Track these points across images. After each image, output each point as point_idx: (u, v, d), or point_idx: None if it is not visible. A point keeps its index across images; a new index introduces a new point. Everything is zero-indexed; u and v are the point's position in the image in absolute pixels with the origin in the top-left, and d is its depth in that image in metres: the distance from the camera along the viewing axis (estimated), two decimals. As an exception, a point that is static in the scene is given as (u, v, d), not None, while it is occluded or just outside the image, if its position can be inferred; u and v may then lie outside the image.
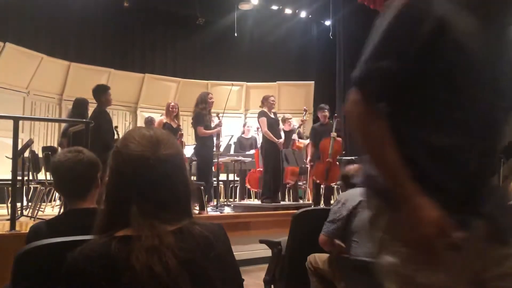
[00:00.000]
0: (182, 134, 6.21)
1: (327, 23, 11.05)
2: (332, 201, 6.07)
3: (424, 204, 1.01)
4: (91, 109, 5.35)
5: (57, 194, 5.97)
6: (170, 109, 6.08)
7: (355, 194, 2.60)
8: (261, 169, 6.45)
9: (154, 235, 0.92)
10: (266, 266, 3.15)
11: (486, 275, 1.07)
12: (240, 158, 6.98)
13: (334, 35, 10.61)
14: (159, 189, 0.97)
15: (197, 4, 9.91)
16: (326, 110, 6.67)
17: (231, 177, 7.87)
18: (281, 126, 6.83)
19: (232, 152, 7.87)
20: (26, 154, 5.65)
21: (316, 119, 8.24)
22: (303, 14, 10.91)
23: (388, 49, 1.06)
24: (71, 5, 8.77)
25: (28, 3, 8.25)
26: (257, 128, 7.55)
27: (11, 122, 3.49)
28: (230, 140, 8.05)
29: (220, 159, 6.38)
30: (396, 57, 1.05)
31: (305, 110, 7.68)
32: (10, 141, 3.67)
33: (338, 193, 6.73)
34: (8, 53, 7.98)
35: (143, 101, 10.11)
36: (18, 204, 4.75)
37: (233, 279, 1.06)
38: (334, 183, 6.37)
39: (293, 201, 7.13)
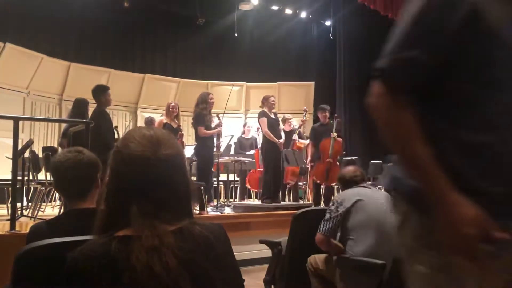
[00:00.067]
0: (182, 135, 6.21)
1: (328, 23, 11.05)
2: (332, 201, 6.07)
3: (461, 202, 0.92)
4: (91, 109, 5.35)
5: (57, 194, 5.96)
6: (170, 109, 6.07)
7: (352, 194, 2.65)
8: (261, 169, 6.45)
9: (154, 235, 0.92)
10: (266, 266, 3.15)
11: None
12: (240, 158, 6.97)
13: (334, 36, 10.62)
14: (159, 189, 0.97)
15: (197, 4, 9.92)
16: (327, 111, 6.67)
17: (231, 177, 7.86)
18: (281, 126, 6.84)
19: (232, 152, 7.87)
20: (26, 154, 5.65)
21: (316, 119, 8.24)
22: (303, 14, 10.91)
23: (416, 37, 0.98)
24: (71, 5, 8.77)
25: (28, 3, 8.25)
26: (257, 128, 7.54)
27: (11, 122, 3.49)
28: (230, 140, 8.05)
29: (220, 159, 6.38)
30: (426, 46, 0.97)
31: (305, 110, 7.68)
32: (10, 141, 3.67)
33: (338, 193, 6.73)
34: (8, 53, 7.98)
35: (143, 101, 10.11)
36: (18, 204, 4.75)
37: (233, 279, 1.06)
38: (334, 183, 6.37)
39: (293, 201, 7.13)
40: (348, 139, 10.04)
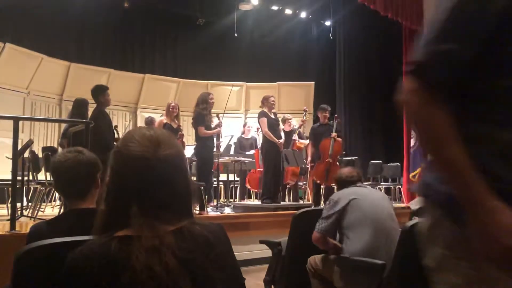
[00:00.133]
0: (182, 135, 6.19)
1: (327, 23, 11.05)
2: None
3: (501, 209, 0.84)
4: (91, 109, 5.35)
5: (57, 194, 5.97)
6: (171, 109, 6.07)
7: (347, 193, 2.71)
8: (261, 170, 6.45)
9: (154, 235, 0.92)
10: (266, 266, 3.15)
11: None
12: (240, 158, 6.97)
13: (334, 36, 10.62)
14: (159, 189, 0.97)
15: (197, 5, 9.93)
16: (327, 111, 6.68)
17: (231, 177, 7.86)
18: (281, 126, 6.84)
19: (232, 152, 7.87)
20: (26, 154, 5.66)
21: (316, 120, 8.25)
22: (303, 14, 10.91)
23: (454, 29, 0.90)
24: (71, 5, 8.77)
25: (28, 4, 8.24)
26: (257, 129, 7.55)
27: (11, 122, 3.49)
28: (230, 140, 8.05)
29: (220, 159, 6.38)
30: (464, 39, 0.89)
31: (305, 111, 7.68)
32: (10, 141, 3.67)
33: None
34: (8, 53, 7.98)
35: (143, 102, 10.11)
36: (18, 205, 4.75)
37: (233, 279, 1.06)
38: (334, 184, 6.36)
39: (293, 201, 7.14)
40: (348, 139, 10.05)
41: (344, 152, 7.42)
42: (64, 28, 9.00)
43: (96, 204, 1.69)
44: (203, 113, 5.88)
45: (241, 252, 4.62)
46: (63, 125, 6.50)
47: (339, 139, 6.47)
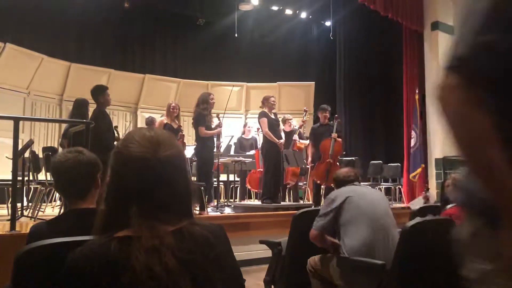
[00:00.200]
0: (183, 135, 6.18)
1: (328, 23, 11.05)
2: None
3: None
4: (91, 109, 5.35)
5: (57, 194, 5.96)
6: (171, 109, 6.06)
7: (344, 192, 2.76)
8: (262, 170, 6.45)
9: (154, 236, 0.92)
10: (266, 266, 3.15)
11: None
12: (241, 158, 6.97)
13: (334, 36, 10.62)
14: (159, 190, 0.97)
15: (198, 5, 9.93)
16: (327, 111, 6.68)
17: (231, 177, 7.86)
18: (281, 126, 6.84)
19: (232, 152, 7.88)
20: (27, 154, 5.66)
21: (316, 120, 8.25)
22: (303, 14, 10.91)
23: (498, 19, 0.83)
24: (71, 5, 8.78)
25: (29, 4, 8.25)
26: (258, 129, 7.55)
27: (11, 122, 3.49)
28: (230, 140, 8.05)
29: (220, 159, 6.38)
30: (505, 29, 0.82)
31: (305, 111, 7.68)
32: (10, 142, 3.67)
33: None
34: (9, 53, 7.99)
35: (143, 102, 10.11)
36: (18, 205, 4.75)
37: (233, 280, 1.06)
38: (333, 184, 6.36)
39: (293, 201, 7.14)
40: (348, 139, 10.05)
41: (344, 153, 7.42)
42: (64, 28, 9.00)
43: (96, 204, 1.69)
44: (203, 113, 5.88)
45: (241, 252, 4.62)
46: (64, 125, 6.50)
47: (339, 139, 6.47)
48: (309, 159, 6.77)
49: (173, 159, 1.00)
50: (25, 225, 4.05)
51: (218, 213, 5.51)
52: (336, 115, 7.06)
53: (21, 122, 5.31)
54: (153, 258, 0.89)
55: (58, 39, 9.03)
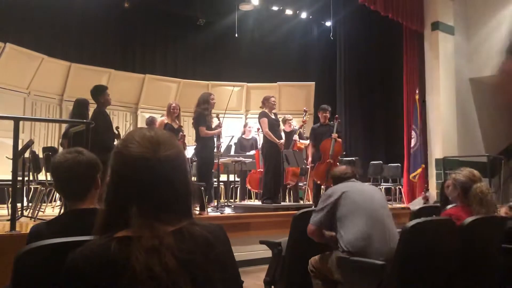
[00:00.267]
0: (184, 135, 6.16)
1: (328, 24, 11.06)
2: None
3: None
4: (91, 109, 5.35)
5: (57, 194, 5.97)
6: (172, 109, 6.06)
7: (340, 187, 2.81)
8: (262, 170, 6.45)
9: (154, 236, 0.92)
10: (266, 267, 3.15)
11: None
12: (241, 158, 6.97)
13: (334, 36, 10.62)
14: (159, 190, 0.97)
15: (198, 5, 9.93)
16: (327, 111, 6.68)
17: (231, 177, 7.87)
18: (281, 126, 6.83)
19: (232, 152, 7.88)
20: (27, 154, 5.66)
21: (316, 120, 8.25)
22: (303, 15, 10.91)
23: None
24: (71, 5, 8.79)
25: (29, 4, 8.26)
26: (258, 129, 7.55)
27: (11, 122, 3.49)
28: (230, 140, 8.06)
29: (220, 159, 6.38)
30: None
31: (306, 111, 7.68)
32: (10, 142, 3.67)
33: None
34: (9, 53, 7.99)
35: (143, 102, 10.12)
36: (19, 205, 4.75)
37: (233, 280, 1.06)
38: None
39: (293, 201, 7.13)
40: (348, 139, 10.05)
41: (344, 153, 7.42)
42: (64, 28, 9.01)
43: (96, 204, 1.69)
44: (204, 113, 5.87)
45: (242, 252, 4.62)
46: (64, 125, 6.50)
47: (340, 139, 6.48)
48: (309, 159, 6.77)
49: (173, 159, 1.00)
50: (25, 225, 4.05)
51: (218, 213, 5.51)
52: (336, 115, 7.06)
53: (21, 122, 5.32)
54: (153, 258, 0.89)
55: (58, 39, 9.03)
